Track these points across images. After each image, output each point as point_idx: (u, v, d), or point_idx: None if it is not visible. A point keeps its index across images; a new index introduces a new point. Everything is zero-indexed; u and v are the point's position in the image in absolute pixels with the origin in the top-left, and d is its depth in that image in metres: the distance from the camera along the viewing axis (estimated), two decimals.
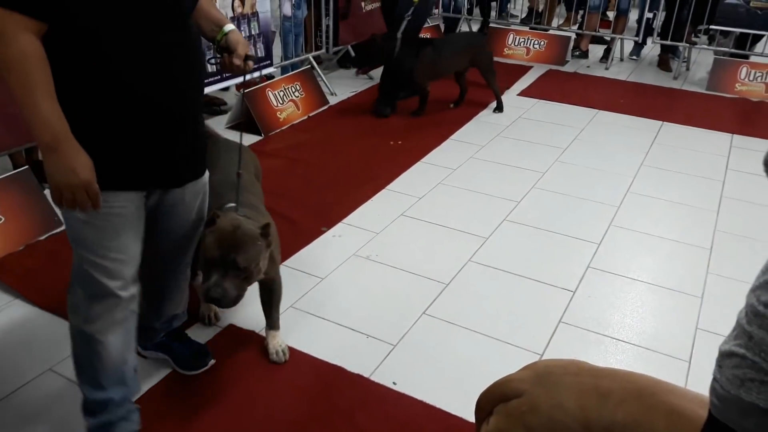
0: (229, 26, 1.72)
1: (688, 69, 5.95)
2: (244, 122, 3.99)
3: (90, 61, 1.41)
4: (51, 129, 1.36)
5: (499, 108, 4.72)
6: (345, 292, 2.57)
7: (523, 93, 5.22)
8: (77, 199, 1.43)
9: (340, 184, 3.53)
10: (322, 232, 3.01)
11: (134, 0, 1.41)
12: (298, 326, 2.34)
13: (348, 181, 3.57)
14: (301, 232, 2.99)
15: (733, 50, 5.61)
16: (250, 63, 1.70)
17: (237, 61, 1.67)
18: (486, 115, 4.70)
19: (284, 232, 2.42)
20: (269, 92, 4.36)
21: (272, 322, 2.16)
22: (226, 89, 4.46)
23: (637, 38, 6.08)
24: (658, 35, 5.93)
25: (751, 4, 5.18)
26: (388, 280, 2.66)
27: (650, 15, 6.28)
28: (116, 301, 1.62)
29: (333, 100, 4.83)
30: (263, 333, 2.22)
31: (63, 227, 2.93)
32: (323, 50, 5.25)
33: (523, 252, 2.91)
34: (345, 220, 3.13)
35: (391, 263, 2.78)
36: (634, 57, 6.29)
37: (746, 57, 5.57)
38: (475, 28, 7.03)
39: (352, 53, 5.44)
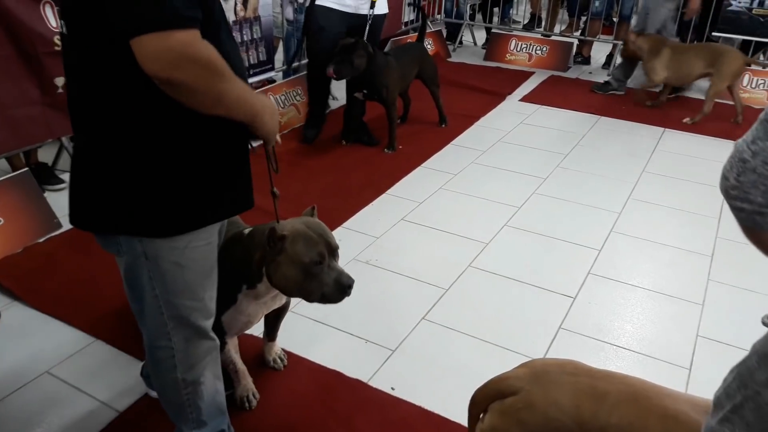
0: None
1: None
2: None
3: None
4: (258, 99, 1.36)
5: (443, 121, 4.53)
6: None
7: (525, 98, 5.22)
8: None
9: (340, 188, 3.52)
10: None
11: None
12: (297, 330, 2.33)
13: (348, 186, 3.56)
14: None
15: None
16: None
17: None
18: (487, 121, 4.70)
19: None
20: (271, 96, 4.35)
21: (274, 334, 2.14)
22: None
23: None
24: None
25: (753, 12, 5.17)
26: (387, 285, 2.65)
27: None
28: (213, 342, 1.58)
29: (334, 105, 4.82)
30: (261, 336, 2.21)
31: (62, 229, 2.93)
32: None
33: (523, 258, 2.90)
34: (345, 225, 3.12)
35: (391, 268, 2.77)
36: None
37: (748, 65, 5.56)
38: (477, 34, 7.03)
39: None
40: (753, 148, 0.77)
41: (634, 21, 6.32)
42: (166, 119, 1.29)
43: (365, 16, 3.84)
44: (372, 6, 3.83)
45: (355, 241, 2.97)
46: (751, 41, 5.49)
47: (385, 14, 4.00)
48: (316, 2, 3.79)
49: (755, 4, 5.17)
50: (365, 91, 3.99)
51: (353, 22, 3.85)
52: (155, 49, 1.13)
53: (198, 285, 1.48)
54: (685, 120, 4.74)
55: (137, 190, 1.34)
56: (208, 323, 1.55)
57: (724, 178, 0.81)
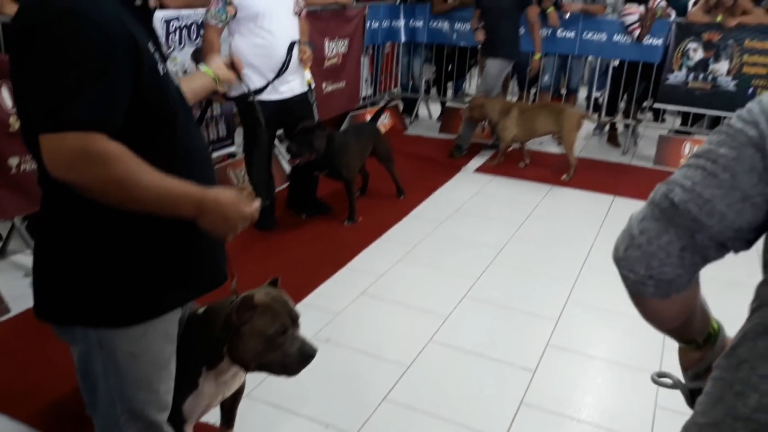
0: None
1: (635, 144, 6.23)
2: None
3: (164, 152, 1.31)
4: (191, 197, 1.25)
5: (401, 193, 4.60)
6: (303, 378, 2.46)
7: (480, 169, 5.37)
8: (245, 224, 1.35)
9: (298, 263, 3.52)
10: None
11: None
12: (253, 416, 2.26)
13: (307, 261, 3.56)
14: None
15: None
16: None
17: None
18: (444, 191, 4.80)
19: None
20: (230, 171, 4.38)
21: (231, 421, 2.08)
22: None
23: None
24: (605, 112, 6.22)
25: (689, 86, 5.51)
26: (348, 364, 2.62)
27: (597, 94, 6.63)
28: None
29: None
30: (216, 424, 2.13)
31: (11, 314, 2.82)
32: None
33: (483, 330, 2.92)
34: (304, 301, 3.10)
35: (352, 345, 2.74)
36: (596, 132, 6.56)
37: (689, 133, 5.88)
38: (432, 107, 7.26)
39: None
40: (641, 226, 0.87)
41: (583, 92, 6.65)
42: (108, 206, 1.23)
43: (298, 97, 3.73)
44: (258, 91, 3.37)
45: (315, 317, 2.95)
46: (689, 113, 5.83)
47: (304, 93, 3.80)
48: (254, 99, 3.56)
49: (690, 78, 5.51)
50: (326, 171, 4.04)
51: (286, 106, 3.69)
52: (49, 149, 1.14)
53: (154, 377, 1.43)
54: (563, 177, 5.09)
55: (88, 276, 1.31)
56: (163, 416, 1.50)
57: (615, 248, 0.91)
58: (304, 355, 1.62)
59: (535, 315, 3.06)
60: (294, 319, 1.65)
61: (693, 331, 1.04)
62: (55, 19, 1.14)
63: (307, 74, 3.80)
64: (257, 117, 2.87)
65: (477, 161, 5.57)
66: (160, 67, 1.30)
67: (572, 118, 5.06)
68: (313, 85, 3.88)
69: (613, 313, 3.09)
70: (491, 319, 3.02)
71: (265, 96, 3.47)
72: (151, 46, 1.28)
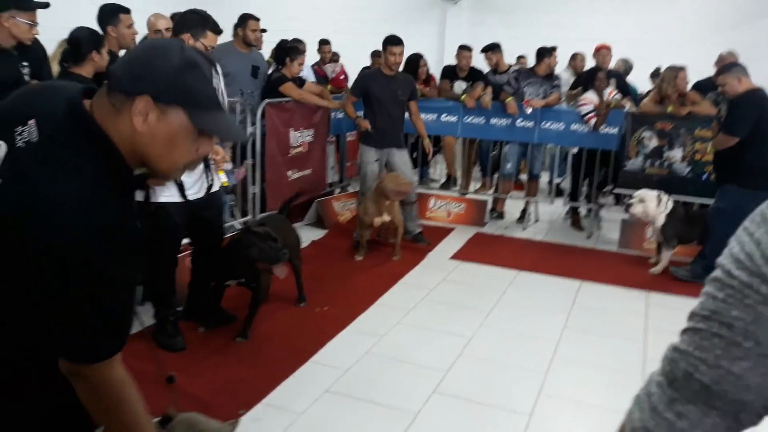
0: None
1: (599, 228, 6.32)
2: None
3: None
4: None
5: (302, 300, 4.09)
6: None
7: (449, 256, 5.34)
8: None
9: (260, 357, 3.35)
10: (240, 416, 2.78)
11: None
12: None
13: (269, 354, 3.40)
14: (215, 417, 2.75)
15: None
16: None
17: None
18: (411, 278, 4.74)
19: None
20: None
21: None
22: None
23: (548, 200, 6.48)
24: (568, 196, 6.34)
25: (646, 171, 5.67)
26: None
27: (559, 180, 6.78)
28: None
29: None
30: None
31: None
32: (249, 217, 5.28)
33: (454, 428, 2.78)
34: (265, 400, 2.93)
35: None
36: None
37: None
38: None
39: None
40: (676, 409, 0.78)
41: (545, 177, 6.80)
42: None
43: (208, 200, 3.42)
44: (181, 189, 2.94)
45: (277, 419, 2.77)
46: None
47: (215, 193, 3.51)
48: (159, 199, 3.04)
49: (647, 164, 5.69)
50: (242, 279, 3.58)
51: (197, 205, 3.33)
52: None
53: None
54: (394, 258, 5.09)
55: None
56: None
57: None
58: None
59: (506, 410, 2.94)
60: None
61: None
62: None
63: (222, 177, 3.58)
64: (168, 220, 2.78)
65: (444, 246, 5.55)
66: None
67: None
68: (230, 187, 3.60)
69: (586, 406, 2.99)
70: (461, 417, 2.88)
71: (172, 198, 3.03)
72: None
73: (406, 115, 5.49)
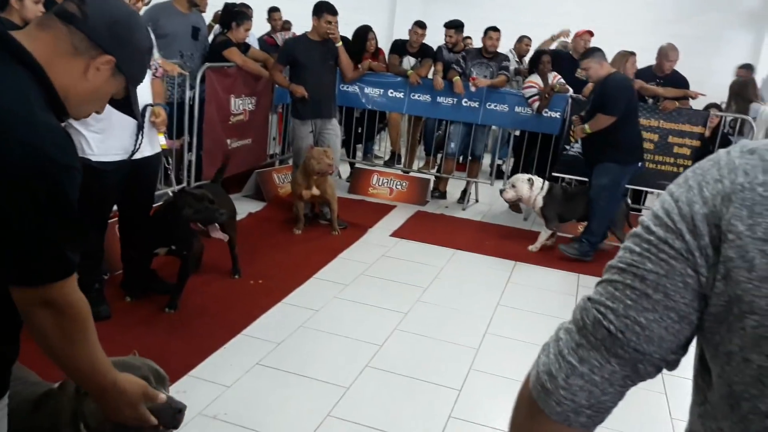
0: None
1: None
2: None
3: None
4: (110, 374, 1.32)
5: (237, 272, 4.02)
6: None
7: (389, 233, 5.33)
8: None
9: (189, 329, 3.26)
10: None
11: None
12: None
13: (199, 326, 3.30)
14: None
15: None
16: None
17: None
18: (350, 253, 4.70)
19: None
20: None
21: None
22: None
23: (489, 182, 6.54)
24: (508, 178, 6.42)
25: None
26: None
27: (500, 161, 6.86)
28: None
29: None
30: None
31: None
32: (184, 185, 5.10)
33: (385, 402, 2.78)
34: (192, 373, 2.85)
35: (242, 423, 2.52)
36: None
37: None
38: (342, 167, 7.24)
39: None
40: (579, 354, 0.81)
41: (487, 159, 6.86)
42: None
43: (146, 160, 3.27)
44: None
45: (203, 391, 2.70)
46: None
47: (153, 155, 3.37)
48: (91, 159, 2.97)
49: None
50: (173, 246, 3.44)
51: (137, 164, 3.22)
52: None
53: None
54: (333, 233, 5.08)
55: None
56: None
57: (548, 374, 0.83)
58: (171, 411, 1.47)
59: (437, 385, 2.96)
60: (160, 378, 1.55)
61: None
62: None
63: (162, 138, 3.43)
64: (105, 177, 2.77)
65: (385, 222, 5.53)
66: None
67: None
68: (168, 149, 3.48)
69: (516, 382, 3.02)
70: (393, 390, 2.88)
71: (109, 157, 3.02)
72: None
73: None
